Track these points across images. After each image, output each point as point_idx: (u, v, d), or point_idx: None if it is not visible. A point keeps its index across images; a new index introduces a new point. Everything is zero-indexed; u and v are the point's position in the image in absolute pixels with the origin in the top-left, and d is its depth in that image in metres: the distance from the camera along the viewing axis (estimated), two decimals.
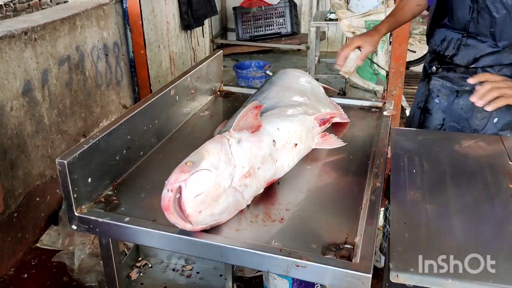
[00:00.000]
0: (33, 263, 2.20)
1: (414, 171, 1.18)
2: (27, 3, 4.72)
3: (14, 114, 2.12)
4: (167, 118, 1.37)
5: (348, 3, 3.76)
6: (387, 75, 3.60)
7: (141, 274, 1.89)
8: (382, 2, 3.61)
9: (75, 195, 0.98)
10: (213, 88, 1.68)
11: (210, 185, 0.93)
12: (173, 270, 1.91)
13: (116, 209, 1.03)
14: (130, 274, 1.86)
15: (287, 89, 1.43)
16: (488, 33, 1.44)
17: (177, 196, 0.91)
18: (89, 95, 2.87)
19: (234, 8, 5.59)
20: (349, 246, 0.92)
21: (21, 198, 2.22)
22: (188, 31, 4.75)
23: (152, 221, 0.99)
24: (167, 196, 0.90)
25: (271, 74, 4.32)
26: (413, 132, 1.41)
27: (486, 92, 1.23)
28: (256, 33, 5.60)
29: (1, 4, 4.38)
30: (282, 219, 1.01)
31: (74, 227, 1.00)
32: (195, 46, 5.04)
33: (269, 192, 1.10)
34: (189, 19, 4.57)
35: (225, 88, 1.75)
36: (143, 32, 3.49)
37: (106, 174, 1.09)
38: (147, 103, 1.25)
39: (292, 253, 0.88)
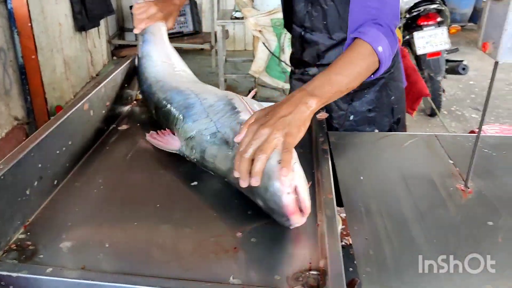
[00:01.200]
0: None
1: (361, 177, 1.13)
2: None
3: None
4: (82, 137, 1.18)
5: (253, 1, 3.71)
6: None
7: None
8: None
9: None
10: (129, 98, 1.51)
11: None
12: None
13: (33, 257, 0.84)
14: None
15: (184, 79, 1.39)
16: (322, 26, 1.44)
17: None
18: None
19: (131, 7, 5.29)
20: (315, 273, 0.83)
21: None
22: (83, 33, 4.42)
23: (81, 268, 0.82)
24: (291, 199, 0.88)
25: None
26: (348, 136, 1.37)
27: (241, 165, 0.90)
28: None
29: None
30: (235, 248, 0.89)
31: None
32: (92, 48, 4.71)
33: (216, 216, 0.98)
34: (83, 19, 4.24)
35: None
36: (33, 35, 3.14)
37: (16, 214, 0.89)
38: (59, 122, 1.06)
39: None
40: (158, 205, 1.00)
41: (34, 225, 0.93)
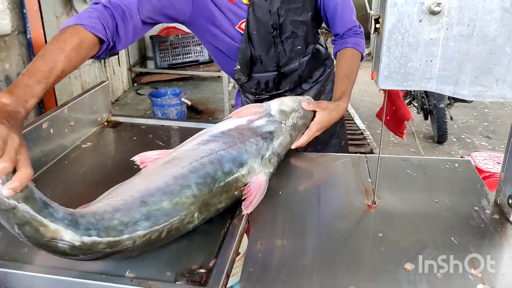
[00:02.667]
0: None
1: (280, 192, 1.23)
2: None
3: None
4: (40, 152, 1.34)
5: None
6: None
7: None
8: None
9: None
10: (99, 119, 1.67)
11: None
12: None
13: None
14: None
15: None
16: (296, 53, 1.61)
17: None
18: None
19: (151, 37, 5.60)
20: (202, 271, 0.94)
21: None
22: (103, 61, 4.69)
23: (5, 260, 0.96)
24: None
25: (187, 101, 4.34)
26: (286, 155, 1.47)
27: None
28: (174, 61, 5.63)
29: None
30: None
31: None
32: (111, 75, 4.98)
33: None
34: None
35: (114, 118, 1.74)
36: None
37: None
38: None
39: (142, 282, 0.89)
40: None
41: None
